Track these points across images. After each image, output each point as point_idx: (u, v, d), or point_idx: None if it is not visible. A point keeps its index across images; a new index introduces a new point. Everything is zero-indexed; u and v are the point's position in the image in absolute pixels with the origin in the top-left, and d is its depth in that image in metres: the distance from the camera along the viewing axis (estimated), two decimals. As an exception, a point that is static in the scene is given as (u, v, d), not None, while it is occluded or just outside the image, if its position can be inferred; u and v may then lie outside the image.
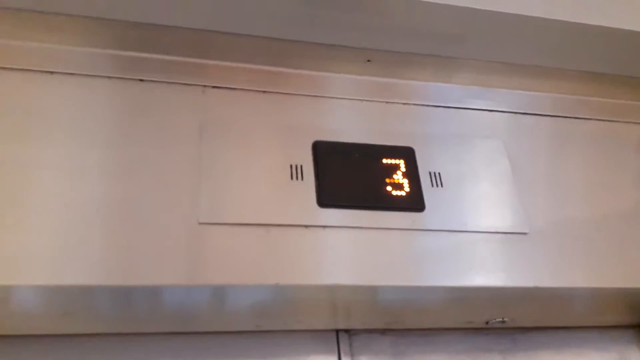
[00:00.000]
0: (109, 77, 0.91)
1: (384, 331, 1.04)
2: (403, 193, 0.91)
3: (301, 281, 0.82)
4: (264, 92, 0.97)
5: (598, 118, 1.14)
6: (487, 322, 1.07)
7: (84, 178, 0.81)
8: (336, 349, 1.00)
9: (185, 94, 0.93)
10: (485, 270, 0.91)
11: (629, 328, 1.20)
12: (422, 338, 1.05)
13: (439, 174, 0.96)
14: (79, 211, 0.79)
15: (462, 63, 1.04)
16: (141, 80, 0.93)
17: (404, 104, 1.03)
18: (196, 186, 0.84)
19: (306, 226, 0.86)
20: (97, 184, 0.81)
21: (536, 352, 1.10)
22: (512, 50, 1.03)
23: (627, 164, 1.11)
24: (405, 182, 0.92)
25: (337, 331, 1.02)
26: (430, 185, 0.94)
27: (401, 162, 0.94)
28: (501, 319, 1.06)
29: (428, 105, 1.04)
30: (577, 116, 1.14)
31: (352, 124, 0.98)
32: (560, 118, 1.13)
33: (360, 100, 1.01)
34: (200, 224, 0.81)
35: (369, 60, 1.00)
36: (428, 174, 0.95)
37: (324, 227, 0.87)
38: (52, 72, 0.88)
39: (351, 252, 0.87)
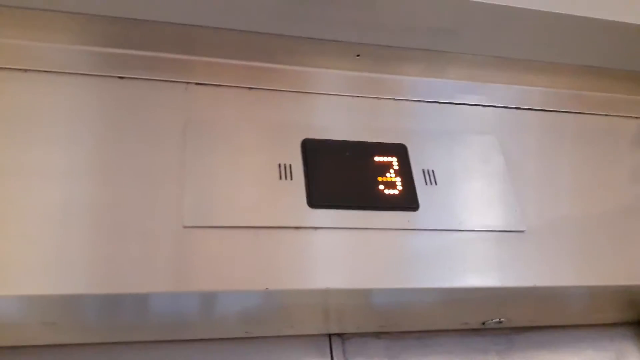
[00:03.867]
0: (86, 75, 0.87)
1: (378, 334, 1.01)
2: (396, 192, 0.88)
3: (292, 286, 0.78)
4: (250, 88, 0.93)
5: (593, 112, 1.12)
6: (483, 323, 1.05)
7: (60, 181, 0.77)
8: (329, 353, 0.96)
9: (167, 91, 0.89)
10: (482, 271, 0.88)
11: (626, 325, 1.19)
12: (418, 341, 1.02)
13: (433, 171, 0.93)
14: (57, 217, 0.75)
15: (454, 57, 1.01)
16: (120, 77, 0.88)
17: (395, 99, 1.00)
18: (180, 188, 0.80)
19: (296, 228, 0.82)
20: (74, 187, 0.77)
21: (533, 351, 1.08)
22: (506, 44, 1.00)
23: (623, 159, 1.09)
24: (398, 181, 0.89)
25: (330, 335, 0.99)
26: (424, 183, 0.91)
27: (393, 160, 0.91)
28: (498, 320, 1.03)
29: (420, 101, 1.01)
30: (572, 111, 1.12)
31: (342, 120, 0.95)
32: (555, 113, 1.10)
33: (350, 96, 0.98)
34: (185, 227, 0.77)
35: (358, 55, 0.96)
36: (421, 172, 0.92)
37: (315, 228, 0.83)
38: (25, 70, 0.84)
39: (343, 254, 0.83)
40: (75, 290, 0.71)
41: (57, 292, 0.71)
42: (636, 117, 1.16)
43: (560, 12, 0.93)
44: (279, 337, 0.96)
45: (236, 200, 0.81)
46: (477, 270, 0.88)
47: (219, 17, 0.87)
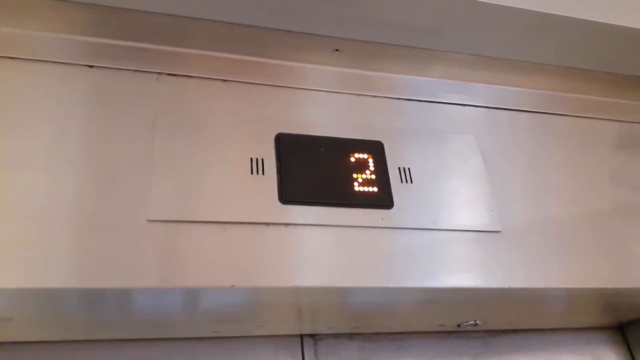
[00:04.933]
0: (54, 62, 0.84)
1: (351, 335, 0.99)
2: (371, 189, 0.86)
3: (259, 283, 0.76)
4: (225, 80, 0.91)
5: (575, 114, 1.12)
6: (458, 325, 1.03)
7: (20, 172, 0.74)
8: (300, 355, 0.94)
9: (137, 81, 0.87)
10: (457, 271, 0.86)
11: (603, 330, 1.18)
12: (392, 342, 1.00)
13: (409, 169, 0.91)
14: (10, 208, 0.71)
15: (434, 55, 0.99)
16: (90, 66, 0.86)
17: (373, 96, 0.98)
18: (146, 180, 0.77)
19: (266, 224, 0.80)
20: (33, 178, 0.73)
21: (509, 355, 1.07)
22: (487, 43, 0.99)
23: (603, 162, 1.09)
24: (373, 178, 0.87)
25: (302, 336, 0.97)
26: (400, 181, 0.89)
27: (369, 157, 0.89)
28: (473, 322, 1.02)
29: (399, 99, 1.00)
30: (553, 112, 1.11)
31: (318, 116, 0.93)
32: (536, 114, 1.10)
33: (327, 91, 0.96)
34: (149, 221, 0.74)
35: (337, 50, 0.94)
36: (397, 170, 0.90)
37: (286, 224, 0.81)
38: (-12, 55, 0.81)
39: (315, 251, 0.81)
40: (29, 284, 0.68)
41: (16, 285, 0.68)
42: (617, 120, 1.16)
43: (543, 11, 0.92)
44: (248, 337, 0.94)
45: (204, 194, 0.78)
46: (452, 270, 0.86)
47: (194, 7, 0.84)
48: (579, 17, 0.94)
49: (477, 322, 1.02)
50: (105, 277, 0.69)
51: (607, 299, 1.04)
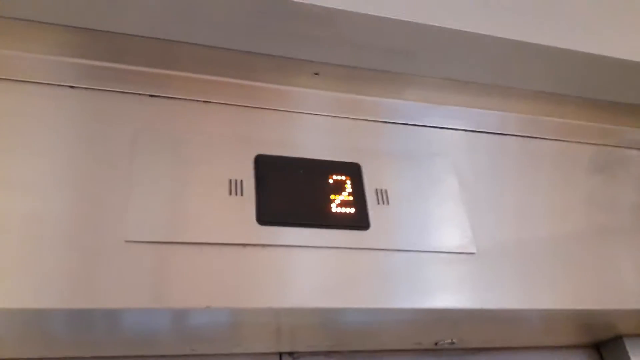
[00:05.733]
0: (35, 83, 0.84)
1: (328, 353, 1.00)
2: (348, 210, 0.88)
3: (236, 304, 0.77)
4: (205, 102, 0.92)
5: (548, 137, 1.14)
6: (436, 343, 1.04)
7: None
8: (278, 373, 0.95)
9: (119, 102, 0.87)
10: (433, 292, 0.88)
11: (579, 348, 1.20)
12: (369, 360, 1.01)
13: (386, 191, 0.93)
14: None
15: (412, 79, 1.02)
16: (72, 87, 0.86)
17: (352, 119, 1.00)
18: (125, 201, 0.78)
19: (244, 245, 0.81)
20: (10, 198, 0.74)
21: (486, 373, 1.08)
22: (463, 68, 1.02)
23: (577, 184, 1.11)
24: (350, 199, 0.89)
25: (281, 354, 0.98)
26: (377, 202, 0.91)
27: (347, 179, 0.91)
28: (450, 340, 1.03)
29: (376, 121, 1.02)
30: (530, 135, 1.13)
31: (297, 138, 0.94)
32: (513, 137, 1.12)
33: (307, 113, 0.98)
34: (127, 242, 0.75)
35: (316, 74, 0.97)
36: (374, 191, 0.92)
37: (264, 245, 0.82)
38: (-33, 76, 0.82)
39: (293, 272, 0.82)
40: (9, 305, 0.68)
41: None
42: (593, 144, 1.19)
43: (515, 38, 0.95)
44: (226, 355, 0.94)
45: (181, 215, 0.79)
46: (428, 291, 0.87)
47: (175, 30, 0.86)
48: (552, 45, 0.97)
49: (454, 340, 1.03)
50: (84, 298, 0.70)
51: (583, 319, 1.06)
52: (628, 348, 1.15)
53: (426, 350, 1.06)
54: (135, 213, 0.77)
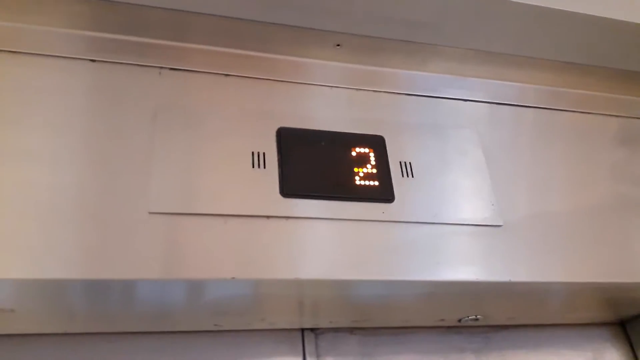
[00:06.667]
0: (57, 57, 0.84)
1: (351, 330, 0.99)
2: (372, 183, 0.87)
3: (260, 275, 0.76)
4: (226, 75, 0.91)
5: (575, 110, 1.12)
6: (459, 320, 1.03)
7: (23, 165, 0.74)
8: (301, 349, 0.95)
9: (140, 75, 0.87)
10: (458, 264, 0.86)
11: (604, 325, 1.18)
12: (392, 337, 1.00)
13: (410, 163, 0.91)
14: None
15: (436, 50, 0.99)
16: (92, 60, 0.86)
17: (374, 91, 0.98)
18: (147, 174, 0.78)
19: (267, 217, 0.80)
20: (35, 172, 0.74)
21: (510, 350, 1.07)
22: (486, 38, 0.99)
23: (604, 157, 1.08)
24: (374, 172, 0.88)
25: (303, 330, 0.97)
26: (401, 175, 0.89)
27: (370, 151, 0.89)
28: (474, 317, 1.02)
29: (400, 93, 1.00)
30: (554, 107, 1.11)
31: (319, 110, 0.93)
32: (537, 109, 1.09)
33: (328, 86, 0.96)
34: (151, 213, 0.75)
35: (338, 45, 0.95)
36: (398, 164, 0.90)
37: (287, 218, 0.81)
38: (-10, 49, 0.81)
39: (316, 244, 0.81)
40: (30, 275, 0.68)
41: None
42: (617, 116, 1.16)
43: (542, 5, 0.92)
44: (249, 331, 0.94)
45: (205, 187, 0.79)
46: (452, 264, 0.86)
47: (196, 2, 0.84)
48: (580, 12, 0.94)
49: (478, 317, 1.02)
50: (106, 269, 0.69)
51: (609, 293, 1.04)
52: (654, 325, 1.13)
53: (450, 327, 1.05)
54: (159, 185, 0.77)
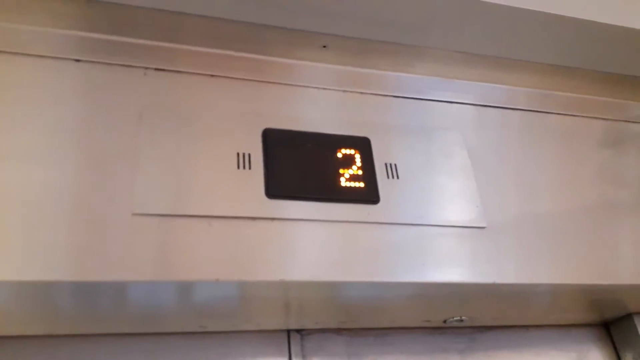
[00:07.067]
0: (40, 56, 0.83)
1: (338, 331, 0.99)
2: (357, 184, 0.87)
3: (245, 277, 0.76)
4: (212, 75, 0.91)
5: (561, 112, 1.12)
6: (444, 321, 1.04)
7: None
8: (287, 350, 0.94)
9: (125, 76, 0.86)
10: (443, 266, 0.87)
11: (588, 327, 1.19)
12: (378, 338, 1.01)
13: (395, 165, 0.91)
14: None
15: (422, 52, 1.00)
16: (77, 60, 0.85)
17: (360, 92, 0.99)
18: (132, 175, 0.77)
19: (253, 218, 0.80)
20: (19, 172, 0.73)
21: (495, 351, 1.07)
22: (475, 40, 1.00)
23: (589, 159, 1.10)
24: (359, 173, 0.88)
25: (289, 331, 0.97)
26: (386, 176, 0.90)
27: (356, 153, 0.90)
28: (459, 318, 1.02)
29: (386, 95, 1.00)
30: (540, 110, 1.11)
31: (305, 112, 0.93)
32: (523, 111, 1.10)
33: (315, 87, 0.96)
34: (134, 215, 0.74)
35: (324, 46, 0.95)
36: (384, 165, 0.91)
37: (272, 219, 0.81)
38: (-27, 49, 0.80)
39: (301, 246, 0.81)
40: (11, 277, 0.68)
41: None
42: (603, 118, 1.17)
43: (528, 8, 0.93)
44: (235, 332, 0.94)
45: (190, 188, 0.78)
46: (437, 265, 0.86)
47: (182, 2, 0.85)
48: (566, 15, 0.95)
49: (463, 318, 1.02)
50: (90, 271, 0.69)
51: (593, 295, 1.05)
52: (638, 326, 1.14)
53: (435, 328, 1.06)
54: (143, 186, 0.76)
